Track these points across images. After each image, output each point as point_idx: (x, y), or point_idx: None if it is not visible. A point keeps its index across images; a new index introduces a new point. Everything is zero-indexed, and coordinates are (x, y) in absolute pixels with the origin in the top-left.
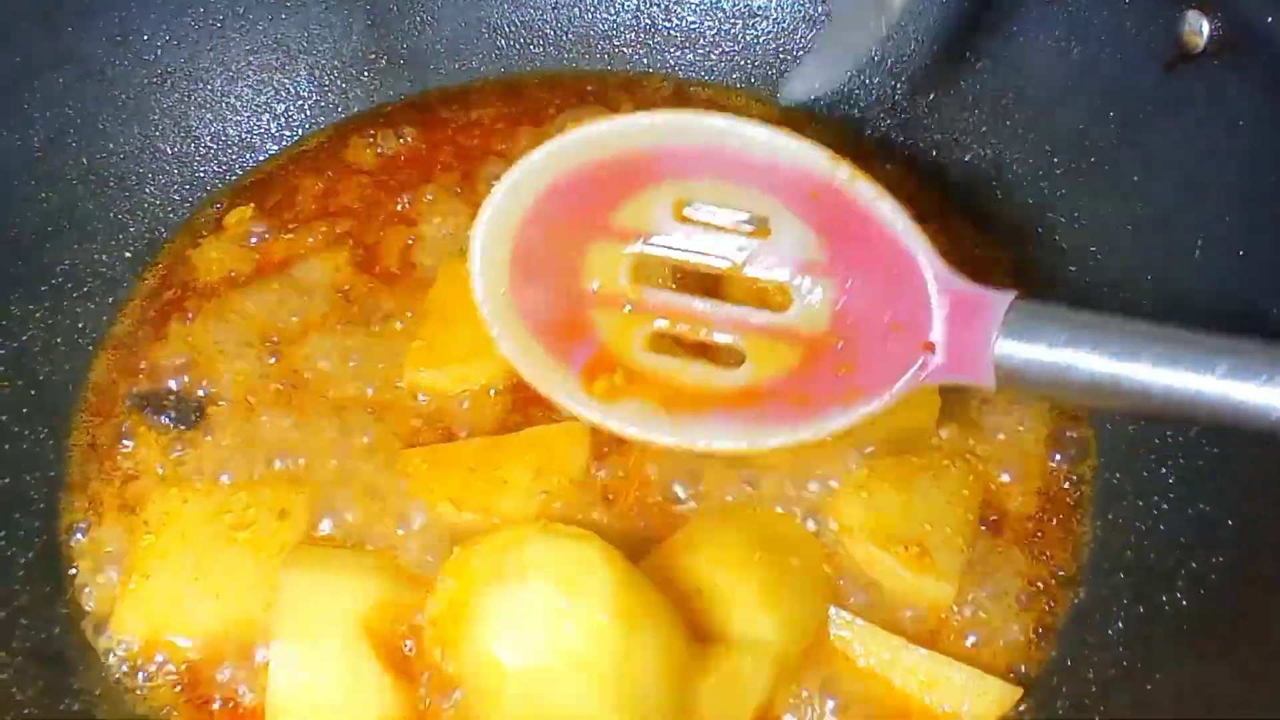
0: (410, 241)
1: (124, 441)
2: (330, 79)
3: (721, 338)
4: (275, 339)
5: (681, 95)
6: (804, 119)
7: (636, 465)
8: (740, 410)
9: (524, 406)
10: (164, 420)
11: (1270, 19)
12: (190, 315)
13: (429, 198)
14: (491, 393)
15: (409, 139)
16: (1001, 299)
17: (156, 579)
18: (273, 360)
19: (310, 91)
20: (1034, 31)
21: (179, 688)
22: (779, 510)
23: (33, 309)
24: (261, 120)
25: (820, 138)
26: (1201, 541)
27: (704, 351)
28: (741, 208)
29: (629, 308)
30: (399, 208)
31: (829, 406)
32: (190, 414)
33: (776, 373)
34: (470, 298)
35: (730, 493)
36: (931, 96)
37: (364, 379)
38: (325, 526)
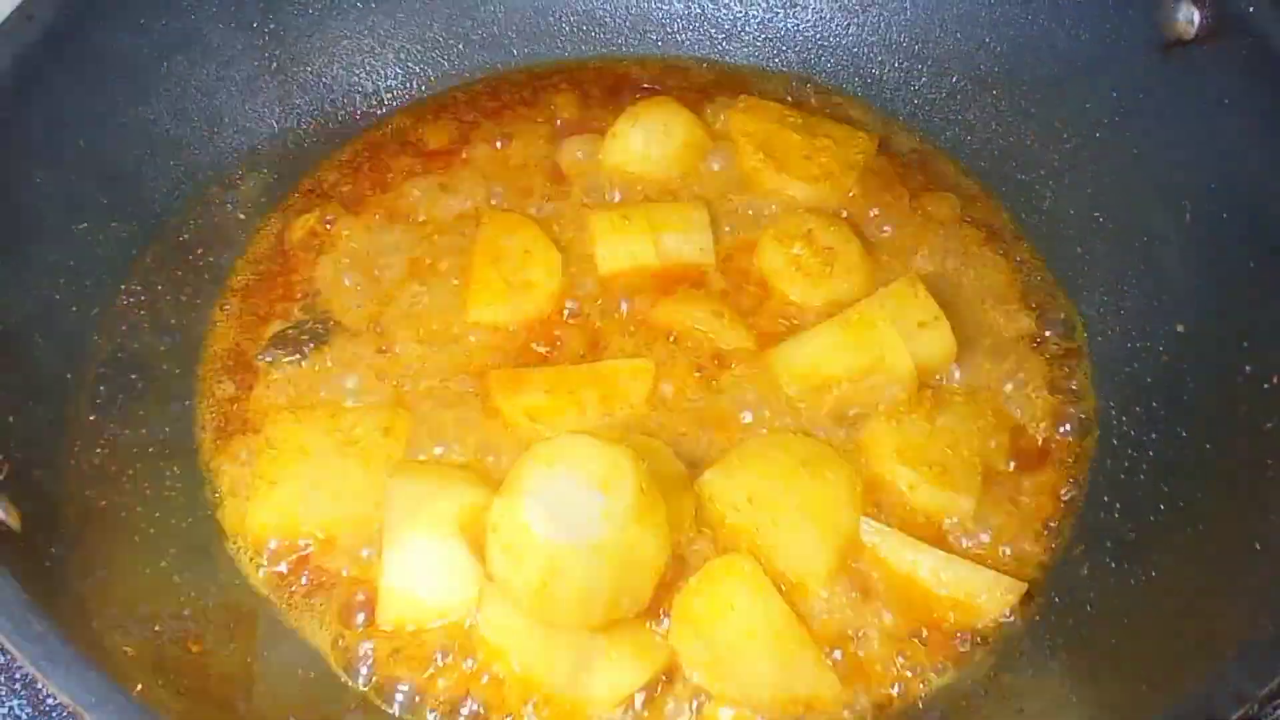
0: (472, 219)
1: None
2: (413, 59)
3: None
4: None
5: (723, 79)
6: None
7: (696, 395)
8: None
9: (587, 335)
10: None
11: (1252, 9)
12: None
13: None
14: (566, 312)
15: (474, 120)
16: None
17: (281, 486)
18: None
19: (396, 71)
20: (1037, 21)
21: (303, 578)
22: (820, 434)
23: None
24: (352, 99)
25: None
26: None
27: None
28: None
29: None
30: (465, 185)
31: None
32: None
33: None
34: (517, 239)
35: (778, 421)
36: (953, 80)
37: (438, 320)
38: (423, 442)
